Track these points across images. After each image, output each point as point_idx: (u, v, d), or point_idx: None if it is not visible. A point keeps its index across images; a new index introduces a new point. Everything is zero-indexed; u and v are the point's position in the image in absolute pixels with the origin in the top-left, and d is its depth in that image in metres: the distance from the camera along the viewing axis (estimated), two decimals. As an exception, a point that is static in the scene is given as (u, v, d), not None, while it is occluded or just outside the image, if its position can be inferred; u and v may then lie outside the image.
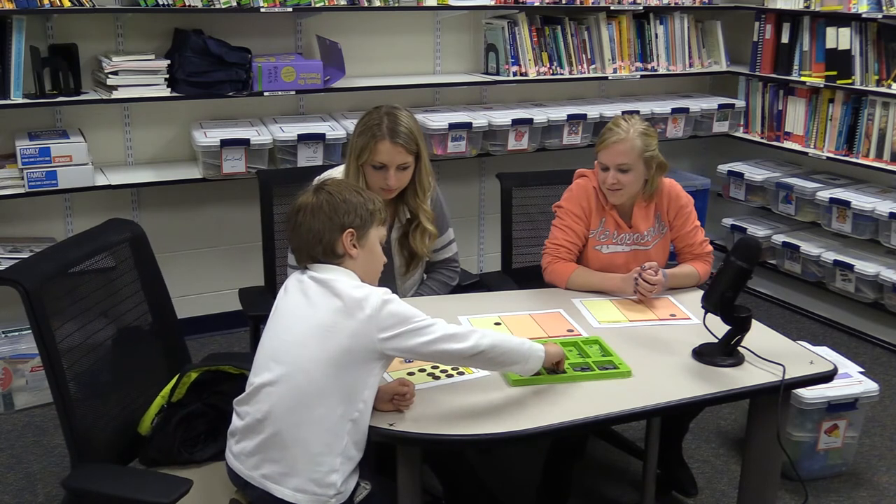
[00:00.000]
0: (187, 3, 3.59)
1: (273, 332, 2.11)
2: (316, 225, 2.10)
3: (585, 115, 4.42)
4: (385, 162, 2.70)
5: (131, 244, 2.38)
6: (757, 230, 4.76)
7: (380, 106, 2.77)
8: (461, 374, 2.28)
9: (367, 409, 2.04)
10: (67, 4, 3.44)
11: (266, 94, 3.85)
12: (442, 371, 2.27)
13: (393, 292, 2.85)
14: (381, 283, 2.84)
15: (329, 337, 2.00)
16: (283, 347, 2.05)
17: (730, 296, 2.34)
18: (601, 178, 2.85)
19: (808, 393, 3.08)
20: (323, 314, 2.03)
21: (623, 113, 4.15)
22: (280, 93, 3.87)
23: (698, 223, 2.97)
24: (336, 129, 3.94)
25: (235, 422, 2.09)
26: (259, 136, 3.80)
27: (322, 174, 2.84)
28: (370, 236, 2.16)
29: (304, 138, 3.84)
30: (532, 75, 4.43)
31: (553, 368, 2.26)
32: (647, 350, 2.46)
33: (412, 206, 2.82)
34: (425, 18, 4.40)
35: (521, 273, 3.29)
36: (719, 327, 2.40)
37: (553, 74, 4.50)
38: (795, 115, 4.75)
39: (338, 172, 2.85)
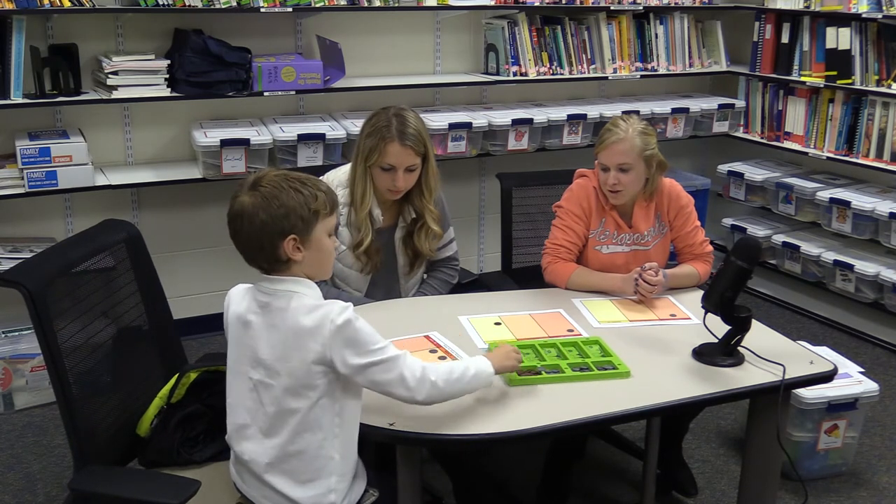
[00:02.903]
0: (187, 3, 3.59)
1: (232, 371, 2.04)
2: (254, 233, 1.92)
3: (585, 115, 4.42)
4: (394, 164, 2.70)
5: (127, 244, 2.37)
6: (757, 230, 4.76)
7: (387, 107, 2.77)
8: (461, 374, 2.27)
9: (349, 419, 1.99)
10: (67, 4, 3.44)
11: (266, 94, 3.85)
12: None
13: (396, 291, 2.89)
14: (386, 284, 2.89)
15: (285, 370, 1.93)
16: (246, 393, 1.99)
17: (730, 296, 2.34)
18: (602, 180, 2.85)
19: (808, 393, 3.08)
20: (277, 349, 1.94)
21: (623, 113, 4.17)
22: (280, 93, 3.87)
23: (699, 223, 2.97)
24: (336, 129, 3.94)
25: (232, 455, 2.09)
26: (259, 136, 3.80)
27: (327, 173, 2.84)
28: (315, 235, 1.96)
29: (304, 138, 3.84)
30: (532, 75, 4.43)
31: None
32: (647, 350, 2.46)
33: (418, 206, 2.82)
34: (425, 18, 4.40)
35: (521, 273, 3.29)
36: (719, 327, 2.40)
37: (553, 74, 4.50)
38: (795, 115, 4.75)
39: (342, 172, 2.85)
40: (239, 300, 2.05)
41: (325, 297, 2.01)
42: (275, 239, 1.93)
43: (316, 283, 2.02)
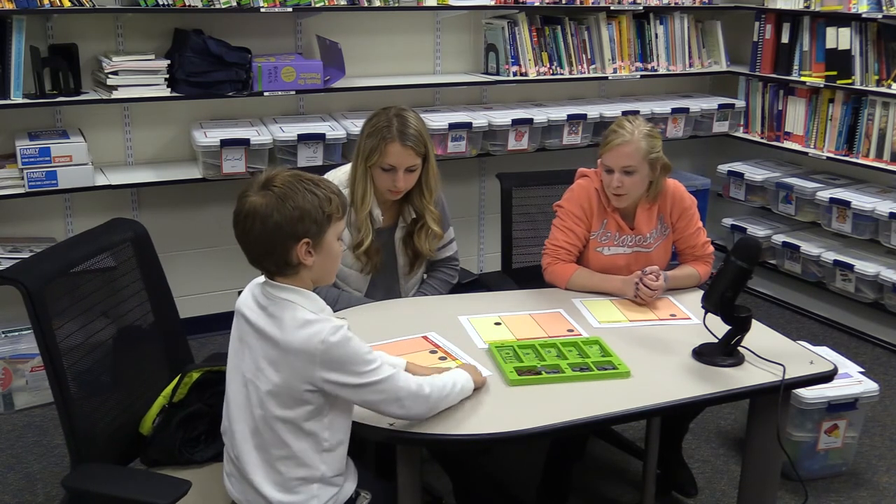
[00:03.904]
0: (187, 3, 3.59)
1: (230, 362, 2.03)
2: (266, 236, 1.85)
3: (585, 115, 4.42)
4: (394, 164, 2.70)
5: (134, 244, 2.38)
6: (757, 230, 4.76)
7: (388, 107, 2.77)
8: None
9: (337, 430, 1.97)
10: (67, 4, 3.44)
11: (266, 94, 3.85)
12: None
13: (396, 291, 2.89)
14: (386, 284, 2.89)
15: (273, 379, 1.89)
16: (239, 389, 1.98)
17: (730, 296, 2.34)
18: (606, 182, 2.84)
19: (808, 393, 3.08)
20: (266, 358, 1.91)
21: (623, 113, 4.17)
22: (280, 93, 3.87)
23: (701, 224, 2.96)
24: (336, 129, 3.94)
25: (225, 452, 2.09)
26: (259, 136, 3.80)
27: (327, 174, 2.84)
28: (327, 239, 1.92)
29: (304, 138, 3.84)
30: (532, 75, 4.43)
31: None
32: (647, 350, 2.46)
33: (418, 206, 2.82)
34: (425, 18, 4.40)
35: (521, 273, 3.29)
36: (719, 327, 2.40)
37: (553, 74, 4.50)
38: (795, 115, 4.75)
39: (342, 172, 2.85)
40: (248, 290, 2.01)
41: (326, 297, 2.01)
42: (288, 242, 1.87)
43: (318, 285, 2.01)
